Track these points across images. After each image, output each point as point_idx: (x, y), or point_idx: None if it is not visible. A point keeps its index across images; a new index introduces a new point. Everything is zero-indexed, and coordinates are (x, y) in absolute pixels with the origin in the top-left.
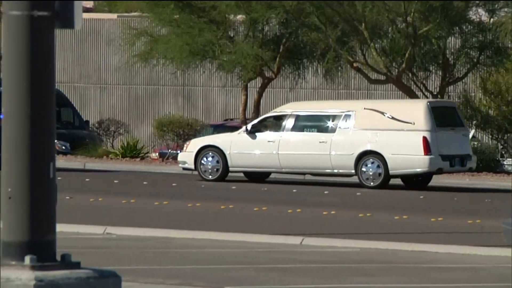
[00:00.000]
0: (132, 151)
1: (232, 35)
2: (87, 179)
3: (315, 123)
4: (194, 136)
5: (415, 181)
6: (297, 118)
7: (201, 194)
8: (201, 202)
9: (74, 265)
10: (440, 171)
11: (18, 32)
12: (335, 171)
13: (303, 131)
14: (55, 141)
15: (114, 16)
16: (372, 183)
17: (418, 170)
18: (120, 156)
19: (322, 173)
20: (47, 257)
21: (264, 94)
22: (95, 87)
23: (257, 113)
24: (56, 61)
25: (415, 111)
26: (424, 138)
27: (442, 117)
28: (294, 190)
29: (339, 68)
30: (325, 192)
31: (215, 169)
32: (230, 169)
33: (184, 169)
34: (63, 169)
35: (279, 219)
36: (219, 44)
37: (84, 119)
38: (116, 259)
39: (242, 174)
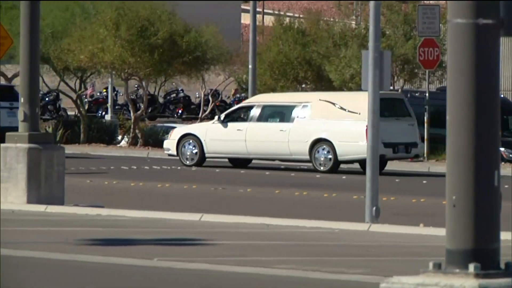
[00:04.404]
0: None
1: None
2: None
3: (277, 113)
4: None
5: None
6: (263, 108)
7: None
8: None
9: None
10: (382, 157)
11: (462, 40)
12: (293, 157)
13: (267, 120)
14: (501, 148)
15: None
16: (323, 168)
17: (362, 156)
18: None
19: (284, 158)
20: (491, 265)
21: None
22: None
23: None
24: (501, 69)
25: (362, 102)
26: (367, 127)
27: (387, 108)
28: None
29: None
30: None
31: (193, 156)
32: (206, 155)
33: (169, 155)
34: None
35: None
36: None
37: None
38: None
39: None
